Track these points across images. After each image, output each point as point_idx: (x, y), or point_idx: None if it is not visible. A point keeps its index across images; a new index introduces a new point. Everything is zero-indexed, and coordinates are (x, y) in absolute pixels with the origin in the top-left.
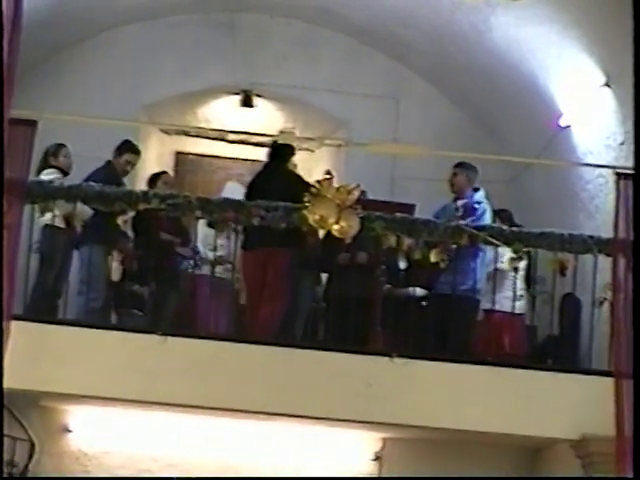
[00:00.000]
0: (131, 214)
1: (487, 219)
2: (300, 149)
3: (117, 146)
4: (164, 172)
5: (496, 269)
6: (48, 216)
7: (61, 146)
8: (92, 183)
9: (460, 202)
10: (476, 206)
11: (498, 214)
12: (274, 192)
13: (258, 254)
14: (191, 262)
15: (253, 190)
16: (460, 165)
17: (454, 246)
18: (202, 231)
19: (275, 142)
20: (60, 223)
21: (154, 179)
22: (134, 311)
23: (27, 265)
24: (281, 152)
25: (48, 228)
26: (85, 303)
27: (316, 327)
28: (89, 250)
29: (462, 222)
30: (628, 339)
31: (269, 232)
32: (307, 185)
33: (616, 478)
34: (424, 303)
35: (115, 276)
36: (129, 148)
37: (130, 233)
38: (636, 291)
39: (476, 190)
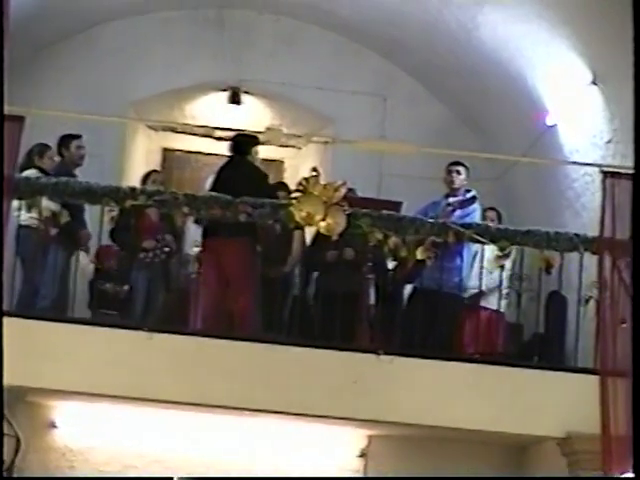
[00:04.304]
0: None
1: (476, 218)
2: (287, 146)
3: (58, 143)
4: (155, 170)
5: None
6: (25, 216)
7: (46, 147)
8: (79, 179)
9: (452, 199)
10: (470, 202)
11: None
12: (237, 186)
13: (215, 243)
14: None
15: (218, 184)
16: (460, 164)
17: (440, 241)
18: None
19: (236, 136)
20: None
21: (146, 178)
22: (107, 311)
23: (14, 261)
24: (242, 146)
25: (24, 229)
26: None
27: (302, 323)
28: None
29: (454, 214)
30: (614, 337)
31: (225, 222)
32: (266, 177)
33: (617, 478)
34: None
35: (88, 275)
36: (69, 137)
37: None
38: (635, 289)
39: (468, 191)
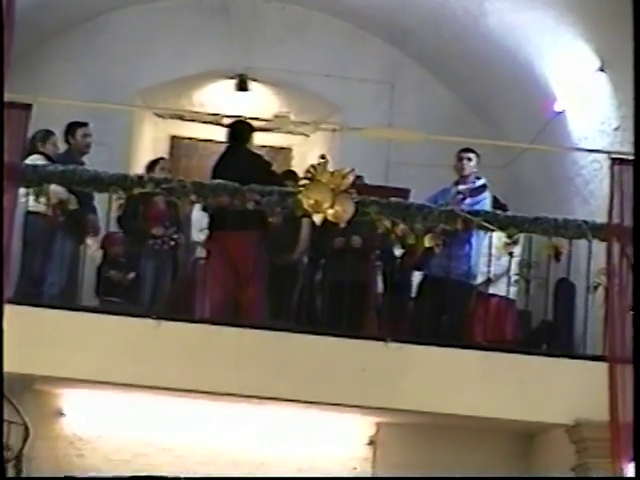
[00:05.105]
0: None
1: (487, 206)
2: (295, 133)
3: (65, 131)
4: (162, 158)
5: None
6: (33, 203)
7: (50, 133)
8: (87, 167)
9: (462, 187)
10: (480, 190)
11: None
12: (236, 173)
13: (223, 236)
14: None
15: (216, 172)
16: (471, 150)
17: (448, 228)
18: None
19: (233, 123)
20: (47, 210)
21: (152, 165)
22: (112, 298)
23: (22, 249)
24: (239, 133)
25: (32, 215)
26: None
27: (310, 311)
28: (62, 239)
29: (465, 202)
30: (622, 324)
31: (233, 214)
32: (268, 163)
33: (618, 479)
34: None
35: (95, 261)
36: (75, 125)
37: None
38: (635, 276)
39: (478, 178)
